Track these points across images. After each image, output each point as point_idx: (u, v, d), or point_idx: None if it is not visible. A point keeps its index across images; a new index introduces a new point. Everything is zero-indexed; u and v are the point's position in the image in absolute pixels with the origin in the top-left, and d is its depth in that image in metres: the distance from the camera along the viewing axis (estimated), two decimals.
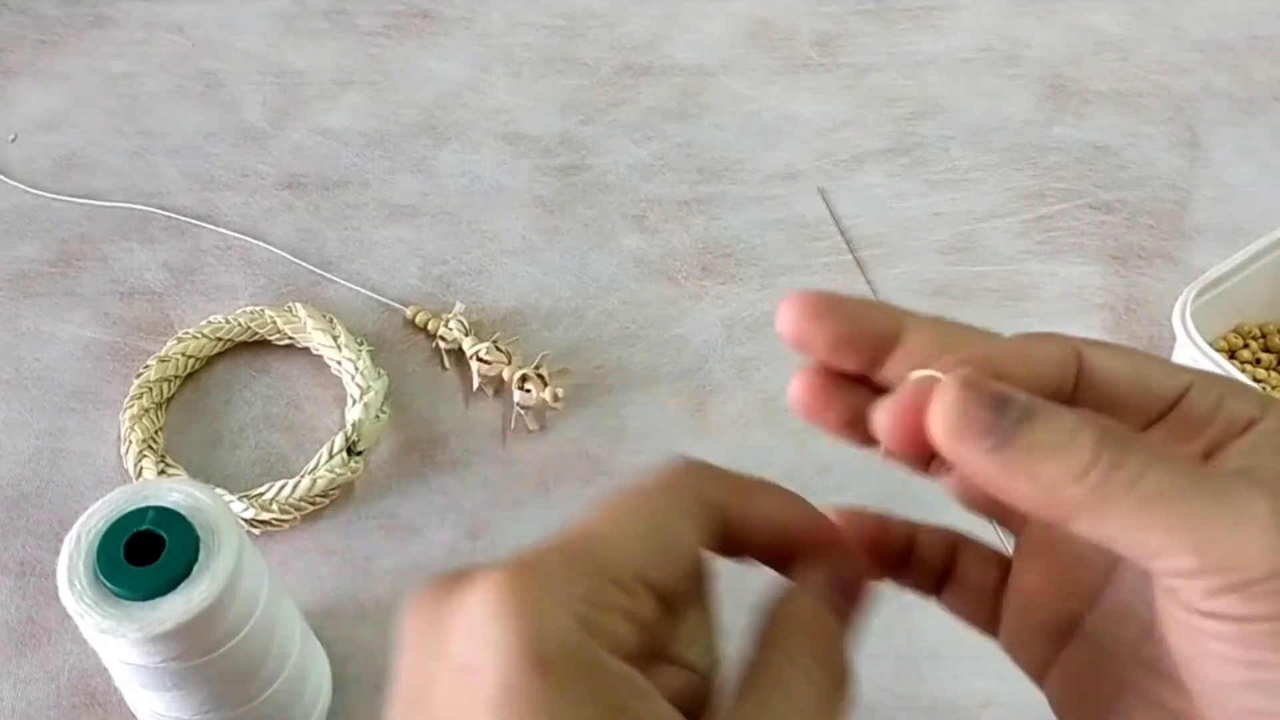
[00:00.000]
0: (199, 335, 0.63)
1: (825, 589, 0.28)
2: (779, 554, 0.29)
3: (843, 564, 0.28)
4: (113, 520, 0.41)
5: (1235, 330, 0.63)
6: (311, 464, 0.58)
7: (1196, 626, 0.23)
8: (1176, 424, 0.26)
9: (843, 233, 0.71)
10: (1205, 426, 0.25)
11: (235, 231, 0.70)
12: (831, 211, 0.72)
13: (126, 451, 0.59)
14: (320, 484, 0.57)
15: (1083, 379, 0.26)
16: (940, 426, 0.24)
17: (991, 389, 0.24)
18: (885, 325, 0.27)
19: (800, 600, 0.27)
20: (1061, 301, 0.67)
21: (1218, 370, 0.54)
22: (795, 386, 0.28)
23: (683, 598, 0.27)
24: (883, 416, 0.25)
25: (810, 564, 0.28)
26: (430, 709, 0.23)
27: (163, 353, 0.63)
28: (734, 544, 0.28)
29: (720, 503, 0.27)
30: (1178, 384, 0.26)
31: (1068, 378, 0.26)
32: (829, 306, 0.27)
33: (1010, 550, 0.30)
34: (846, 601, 0.28)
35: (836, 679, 0.26)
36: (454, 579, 0.24)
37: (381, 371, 0.62)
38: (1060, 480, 0.23)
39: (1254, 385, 0.54)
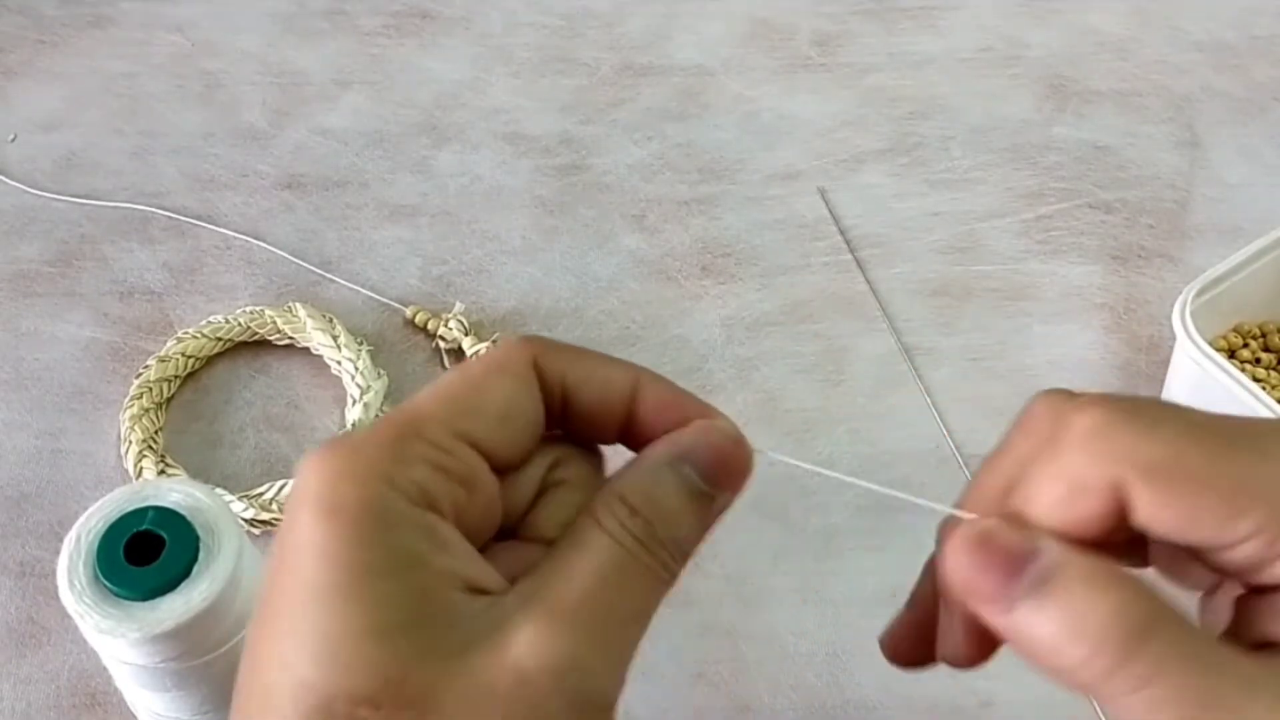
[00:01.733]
0: (199, 335, 0.63)
1: (669, 458, 0.26)
2: (640, 434, 0.28)
3: (701, 438, 0.26)
4: (113, 520, 0.41)
5: (1235, 330, 0.63)
6: None
7: None
8: None
9: (843, 233, 0.71)
10: None
11: (235, 231, 0.70)
12: (831, 211, 0.72)
13: (126, 451, 0.59)
14: None
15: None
16: (952, 584, 0.24)
17: (1006, 547, 0.23)
18: None
19: (635, 469, 0.26)
20: (1061, 301, 0.67)
21: (1217, 369, 0.54)
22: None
23: (522, 459, 0.27)
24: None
25: (664, 440, 0.27)
26: (268, 581, 0.24)
27: (163, 353, 0.63)
28: (587, 420, 0.28)
29: (557, 369, 0.27)
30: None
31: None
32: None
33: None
34: (707, 476, 0.26)
35: (652, 544, 0.25)
36: None
37: (381, 371, 0.62)
38: (1063, 662, 0.22)
39: (1255, 386, 0.54)
